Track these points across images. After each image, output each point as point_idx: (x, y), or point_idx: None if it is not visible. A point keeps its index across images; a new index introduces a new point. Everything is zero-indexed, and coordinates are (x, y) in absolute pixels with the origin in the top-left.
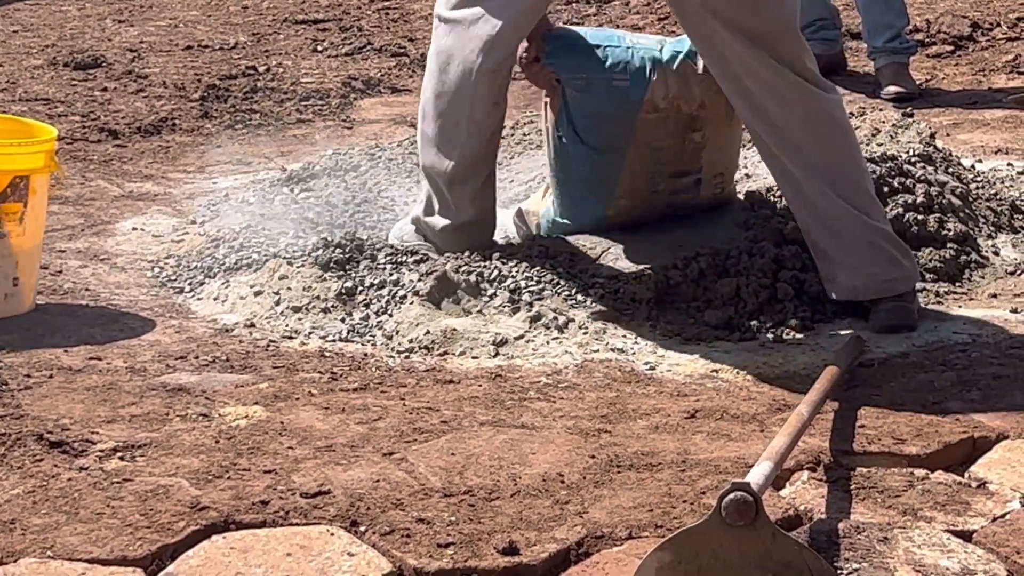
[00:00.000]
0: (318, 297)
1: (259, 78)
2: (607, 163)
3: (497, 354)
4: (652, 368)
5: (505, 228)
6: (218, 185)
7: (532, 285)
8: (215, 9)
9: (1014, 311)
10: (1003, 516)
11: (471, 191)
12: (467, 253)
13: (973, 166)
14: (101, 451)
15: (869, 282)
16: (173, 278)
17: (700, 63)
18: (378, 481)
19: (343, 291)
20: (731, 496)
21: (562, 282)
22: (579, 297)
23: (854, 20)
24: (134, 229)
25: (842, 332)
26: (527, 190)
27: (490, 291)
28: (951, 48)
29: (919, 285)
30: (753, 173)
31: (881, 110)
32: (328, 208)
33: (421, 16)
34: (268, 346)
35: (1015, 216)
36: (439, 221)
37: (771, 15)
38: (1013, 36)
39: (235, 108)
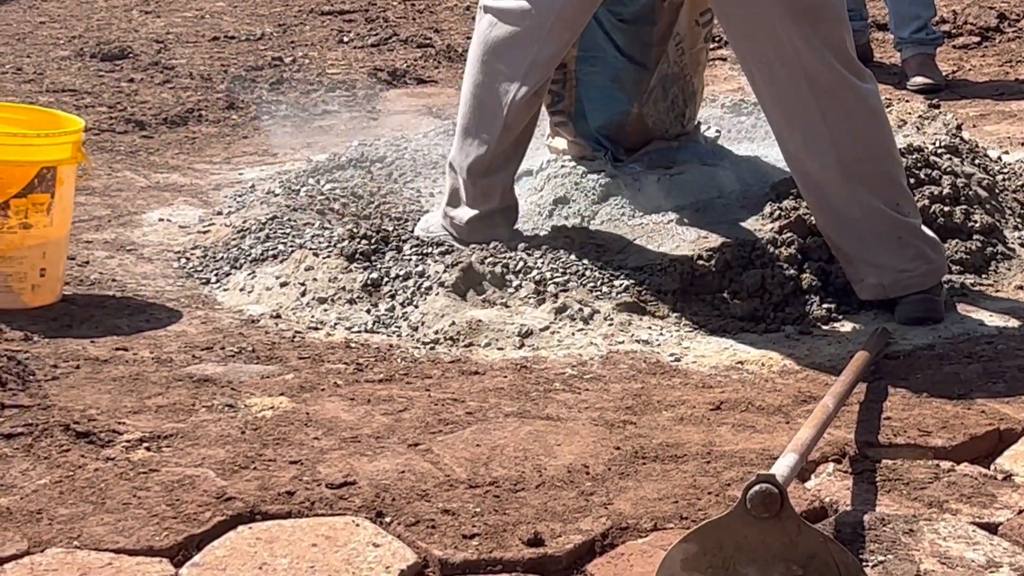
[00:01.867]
0: (344, 288)
1: (285, 69)
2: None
3: (522, 345)
4: (677, 360)
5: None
6: (244, 176)
7: (557, 276)
8: (241, 0)
9: None
10: None
11: (502, 180)
12: (492, 244)
13: (1000, 157)
14: (127, 442)
15: (897, 279)
16: (199, 269)
17: None
18: (403, 472)
19: (369, 282)
20: (756, 488)
21: (587, 273)
22: (604, 288)
23: (881, 11)
24: (160, 220)
25: (868, 324)
26: None
27: (515, 282)
28: (978, 39)
29: (945, 277)
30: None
31: (907, 101)
32: (354, 199)
33: (447, 7)
34: (294, 337)
35: None
36: (465, 212)
37: None
38: None
39: (261, 99)
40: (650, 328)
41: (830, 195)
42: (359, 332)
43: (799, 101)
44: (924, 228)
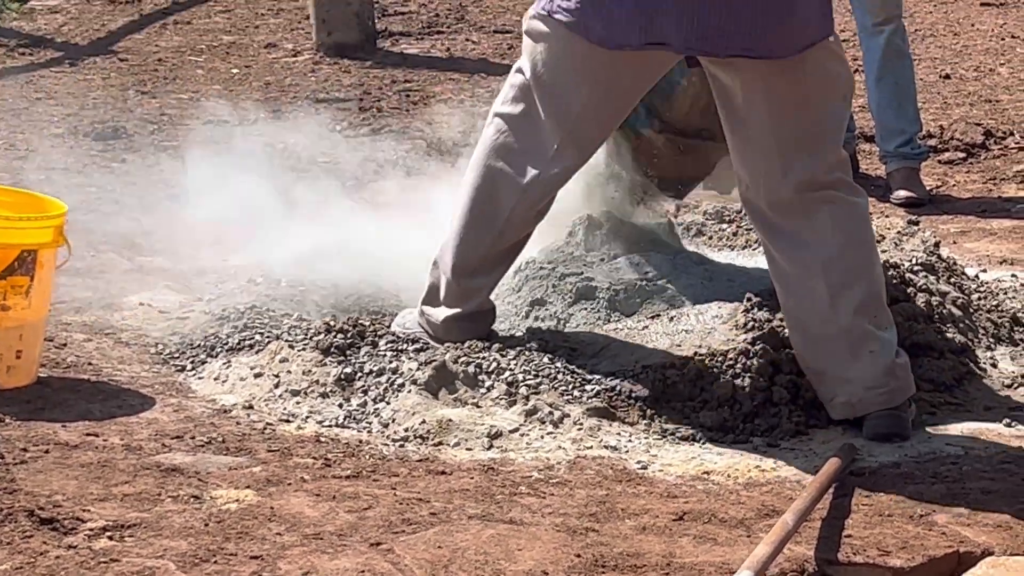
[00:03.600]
0: (317, 381)
1: (276, 155)
2: None
3: (491, 447)
4: (644, 467)
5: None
6: (228, 262)
7: (530, 378)
8: (238, 84)
9: (1008, 425)
10: None
11: (487, 284)
12: (467, 344)
13: (977, 275)
14: (91, 530)
15: (865, 396)
16: (176, 356)
17: None
18: (363, 572)
19: (342, 376)
20: None
21: (560, 377)
22: (576, 392)
23: (868, 123)
24: (141, 304)
25: (836, 438)
26: None
27: (488, 383)
28: (963, 155)
29: (915, 394)
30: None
31: (888, 216)
32: (334, 291)
33: (441, 100)
34: (264, 429)
35: (1015, 328)
36: (442, 312)
37: (813, 120)
38: None
39: (252, 184)
40: (619, 434)
41: (812, 313)
42: (330, 426)
43: (792, 222)
44: (896, 345)
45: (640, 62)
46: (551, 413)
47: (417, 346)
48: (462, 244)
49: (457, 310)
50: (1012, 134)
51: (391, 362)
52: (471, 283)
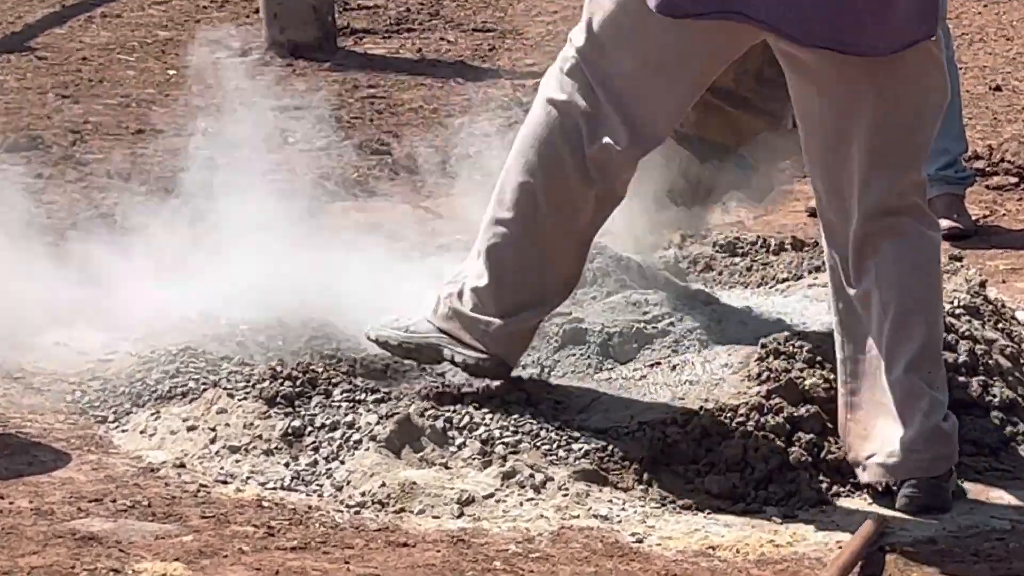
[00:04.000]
0: (260, 436)
1: (219, 172)
2: None
3: (461, 514)
4: (639, 540)
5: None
6: (158, 295)
7: (507, 436)
8: (174, 87)
9: None
10: None
11: (536, 305)
12: (435, 395)
13: None
14: None
15: (904, 460)
16: (96, 405)
17: None
18: None
19: (289, 431)
20: None
21: (543, 434)
22: (561, 452)
23: None
24: (56, 344)
25: (863, 509)
26: None
27: (458, 440)
28: (1015, 180)
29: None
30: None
31: None
32: (282, 330)
33: (411, 108)
34: (198, 491)
35: None
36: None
37: (902, 132)
38: None
39: (189, 205)
40: (611, 502)
41: (867, 359)
42: (274, 489)
43: (876, 246)
44: (946, 407)
45: (701, 34)
46: (532, 476)
47: (377, 396)
48: (504, 246)
49: (499, 321)
50: None
51: (347, 414)
52: (516, 297)
